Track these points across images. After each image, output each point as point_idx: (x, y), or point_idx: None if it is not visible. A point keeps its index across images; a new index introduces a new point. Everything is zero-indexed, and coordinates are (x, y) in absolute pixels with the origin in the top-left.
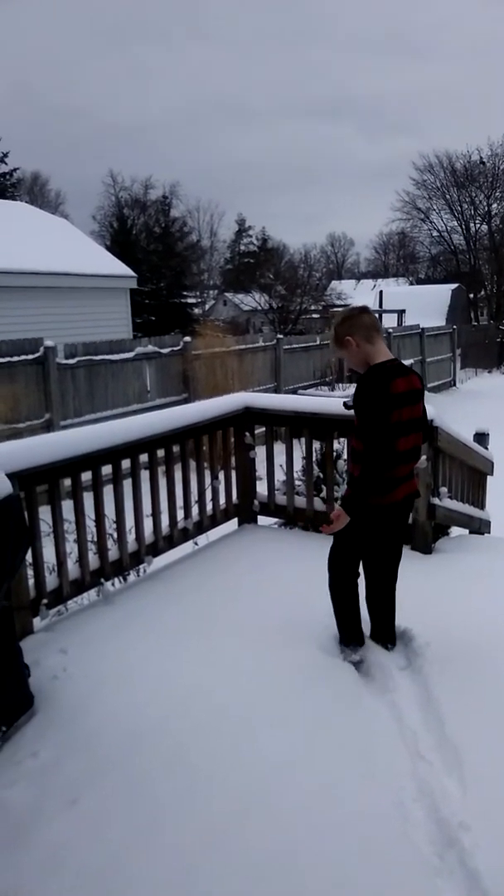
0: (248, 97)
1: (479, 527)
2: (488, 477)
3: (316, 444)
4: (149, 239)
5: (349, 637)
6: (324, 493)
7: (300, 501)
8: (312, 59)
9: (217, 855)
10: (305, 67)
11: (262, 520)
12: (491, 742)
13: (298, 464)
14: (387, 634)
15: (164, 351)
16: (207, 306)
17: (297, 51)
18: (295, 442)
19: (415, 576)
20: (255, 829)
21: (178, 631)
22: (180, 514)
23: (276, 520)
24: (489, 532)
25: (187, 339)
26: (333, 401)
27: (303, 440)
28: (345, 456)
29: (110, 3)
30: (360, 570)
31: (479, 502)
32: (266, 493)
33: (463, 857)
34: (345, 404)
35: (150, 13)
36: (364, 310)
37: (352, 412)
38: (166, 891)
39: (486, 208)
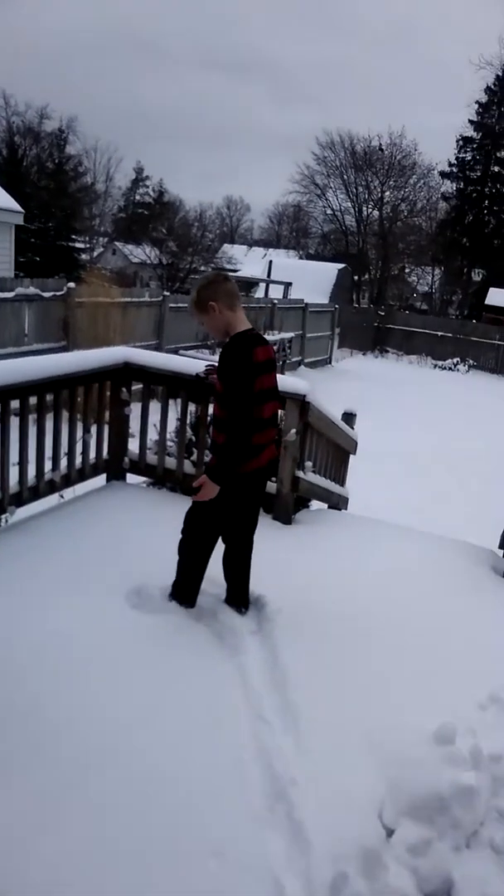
0: (162, 38)
1: (338, 502)
2: (351, 456)
3: (192, 407)
4: (40, 174)
5: (186, 596)
6: (195, 457)
7: (171, 462)
8: (232, 11)
9: (66, 805)
10: (224, 18)
11: (132, 478)
12: (328, 705)
13: (172, 425)
14: (241, 598)
15: (46, 295)
16: (96, 253)
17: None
18: (171, 402)
19: (273, 544)
20: (105, 781)
21: (39, 583)
22: (48, 465)
23: (145, 479)
24: (346, 509)
25: (71, 284)
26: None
27: (179, 401)
28: None
29: None
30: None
31: (341, 479)
32: (137, 451)
33: (290, 809)
34: (196, 375)
35: None
36: (226, 277)
37: (210, 380)
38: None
39: (380, 195)
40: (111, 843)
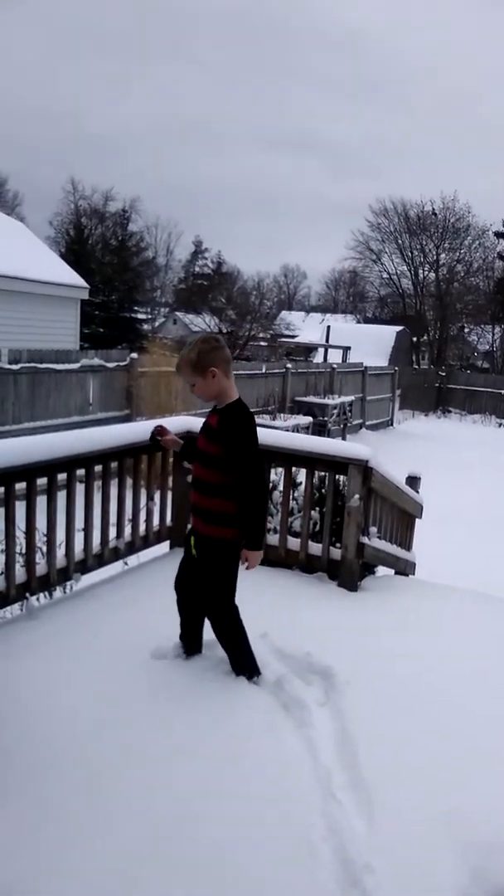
0: (220, 122)
1: (405, 568)
2: (417, 520)
3: None
4: (104, 251)
5: (250, 667)
6: None
7: None
8: (286, 95)
9: (129, 887)
10: (279, 101)
11: None
12: (402, 783)
13: None
14: (234, 666)
15: (110, 365)
16: (157, 323)
17: (272, 84)
18: None
19: (340, 612)
20: (171, 862)
21: (101, 652)
22: (112, 532)
23: None
24: (413, 574)
25: (134, 355)
26: (274, 432)
27: None
28: (280, 487)
29: (89, 11)
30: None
31: (407, 544)
32: None
33: None
34: (151, 438)
35: (132, 25)
36: (224, 342)
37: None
38: None
39: (435, 257)
40: None
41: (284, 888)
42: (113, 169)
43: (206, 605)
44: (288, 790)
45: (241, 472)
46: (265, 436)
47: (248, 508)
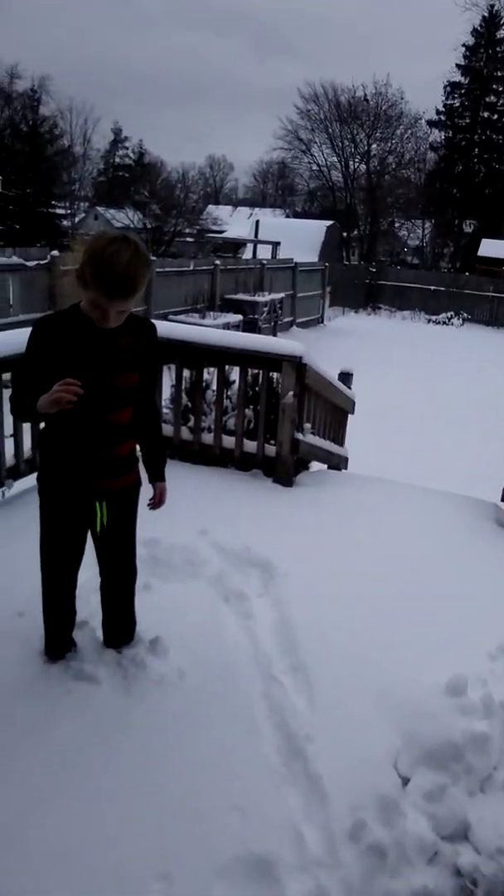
0: None
1: (338, 463)
2: (349, 416)
3: (186, 373)
4: (14, 137)
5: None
6: (191, 423)
7: (167, 430)
8: None
9: (77, 770)
10: None
11: None
12: (339, 664)
13: (167, 391)
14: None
15: (30, 264)
16: (77, 219)
17: None
18: (164, 369)
19: (276, 507)
20: (122, 742)
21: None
22: None
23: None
24: (346, 468)
25: (55, 252)
26: (205, 330)
27: (172, 368)
28: (213, 386)
29: None
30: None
31: (339, 439)
32: None
33: (306, 765)
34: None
35: None
36: None
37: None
38: None
39: (366, 147)
40: (129, 807)
41: (231, 760)
42: (16, 41)
43: (122, 569)
44: (232, 677)
45: (153, 394)
46: (197, 334)
47: (159, 435)
